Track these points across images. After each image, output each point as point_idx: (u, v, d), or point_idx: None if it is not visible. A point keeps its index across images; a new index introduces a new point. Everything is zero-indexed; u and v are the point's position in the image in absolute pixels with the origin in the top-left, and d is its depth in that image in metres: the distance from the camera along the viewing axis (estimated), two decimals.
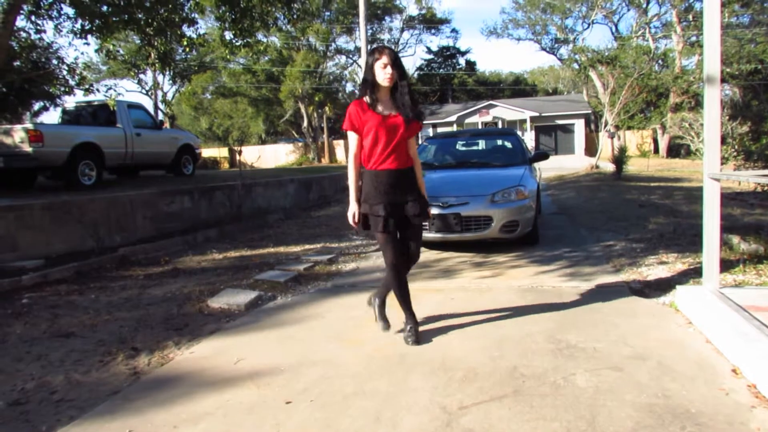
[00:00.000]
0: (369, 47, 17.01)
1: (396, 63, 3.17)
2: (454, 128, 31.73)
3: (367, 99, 3.25)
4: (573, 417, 2.42)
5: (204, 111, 38.86)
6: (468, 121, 34.02)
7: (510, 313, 3.95)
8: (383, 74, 3.16)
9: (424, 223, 3.52)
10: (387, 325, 3.59)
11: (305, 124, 36.02)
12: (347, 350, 3.41)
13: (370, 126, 3.21)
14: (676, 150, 30.31)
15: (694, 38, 30.96)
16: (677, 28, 31.31)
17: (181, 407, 2.73)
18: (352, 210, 3.35)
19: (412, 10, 39.89)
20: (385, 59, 3.15)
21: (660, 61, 32.55)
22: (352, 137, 3.31)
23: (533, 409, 2.51)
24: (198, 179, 11.65)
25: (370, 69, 3.21)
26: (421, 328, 3.57)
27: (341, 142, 38.50)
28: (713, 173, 3.58)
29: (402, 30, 40.58)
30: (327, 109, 35.11)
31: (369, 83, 3.23)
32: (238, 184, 10.42)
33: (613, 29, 39.64)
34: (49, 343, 3.81)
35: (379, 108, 3.25)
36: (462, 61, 47.61)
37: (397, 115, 3.24)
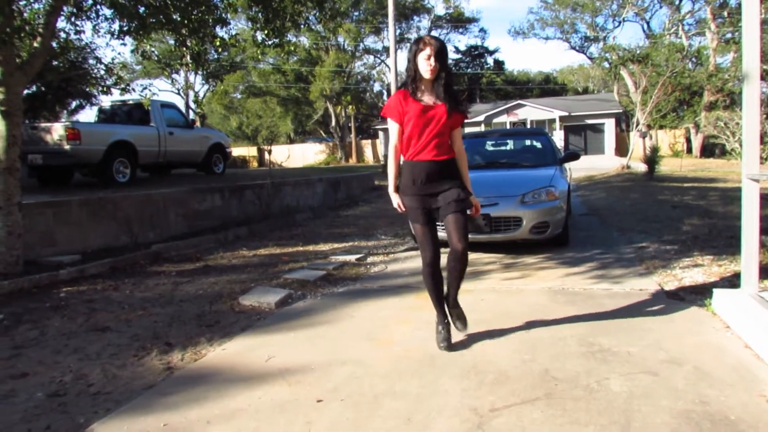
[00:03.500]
0: (397, 47, 16.99)
1: (440, 55, 3.08)
2: (482, 128, 31.54)
3: (410, 89, 3.19)
4: (607, 422, 2.38)
5: (234, 110, 39.38)
6: (496, 120, 33.77)
7: (541, 315, 3.91)
8: (426, 65, 3.08)
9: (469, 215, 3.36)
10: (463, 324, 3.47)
11: (333, 123, 36.22)
12: (377, 350, 3.42)
13: (411, 116, 3.14)
14: (710, 150, 29.54)
15: (729, 35, 30.11)
16: (711, 25, 30.51)
17: (214, 403, 2.78)
18: (396, 200, 3.33)
19: (440, 9, 39.84)
20: (428, 50, 3.06)
21: (693, 59, 31.76)
22: (393, 127, 3.26)
23: (566, 412, 2.48)
24: (228, 178, 11.81)
25: (413, 59, 3.14)
26: (450, 329, 3.54)
27: (369, 141, 38.59)
28: (752, 173, 3.48)
29: (430, 29, 40.47)
30: (351, 108, 35.19)
31: (411, 73, 3.17)
32: (267, 183, 10.53)
33: (645, 27, 38.85)
34: (86, 337, 3.91)
35: (421, 97, 3.17)
36: (490, 60, 47.31)
37: (439, 105, 3.15)
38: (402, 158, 3.32)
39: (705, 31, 31.93)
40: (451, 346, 3.33)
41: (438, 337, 3.40)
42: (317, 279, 5.35)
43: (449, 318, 3.47)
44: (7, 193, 5.60)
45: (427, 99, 3.17)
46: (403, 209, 3.33)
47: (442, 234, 3.40)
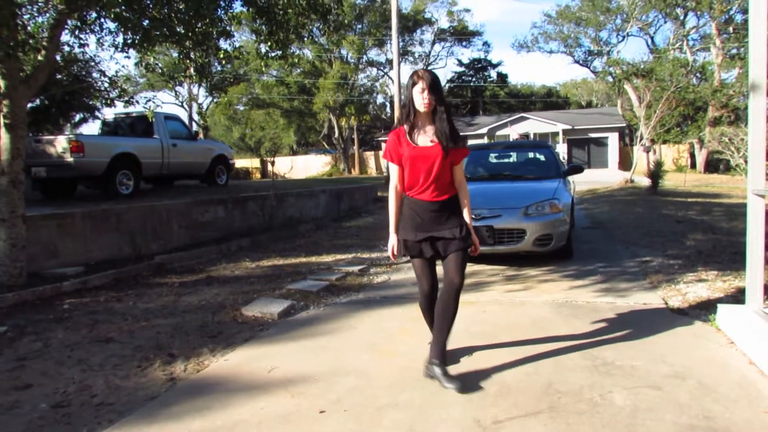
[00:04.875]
0: (400, 60, 17.08)
1: (434, 88, 3.02)
2: (486, 140, 31.62)
3: (406, 127, 3.14)
4: None
5: (237, 122, 39.59)
6: (499, 133, 33.84)
7: (544, 328, 3.90)
8: (420, 99, 3.02)
9: (468, 250, 3.17)
10: (459, 383, 2.93)
11: (336, 135, 36.36)
12: (380, 361, 3.42)
13: (407, 157, 3.08)
14: (714, 165, 29.52)
15: (734, 51, 30.21)
16: (716, 41, 30.61)
17: (217, 414, 2.77)
18: (392, 242, 3.22)
19: (444, 23, 40.09)
20: (422, 84, 3.01)
21: (698, 75, 31.83)
22: (393, 167, 3.21)
23: (569, 426, 2.47)
24: (231, 189, 11.84)
25: (408, 93, 3.10)
26: (453, 341, 3.51)
27: (372, 153, 38.70)
28: (758, 189, 3.49)
29: (433, 42, 40.79)
30: (353, 120, 35.31)
31: (407, 109, 3.11)
32: (270, 194, 10.55)
33: (649, 42, 38.97)
34: (90, 348, 3.91)
35: (417, 137, 3.12)
36: (493, 73, 47.48)
37: (435, 145, 3.06)
38: (404, 193, 3.22)
39: (710, 46, 32.03)
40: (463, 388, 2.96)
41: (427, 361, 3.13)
42: (320, 290, 5.35)
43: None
44: (11, 206, 5.62)
45: (423, 140, 3.10)
46: (394, 254, 3.20)
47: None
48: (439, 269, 3.18)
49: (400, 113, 3.23)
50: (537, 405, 2.69)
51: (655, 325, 3.89)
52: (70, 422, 2.77)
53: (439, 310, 3.09)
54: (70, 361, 3.65)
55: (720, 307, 3.84)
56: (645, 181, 18.50)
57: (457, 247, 3.09)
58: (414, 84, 3.07)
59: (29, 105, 7.14)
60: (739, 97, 26.55)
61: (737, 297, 4.33)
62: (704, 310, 4.15)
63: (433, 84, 3.04)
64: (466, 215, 3.23)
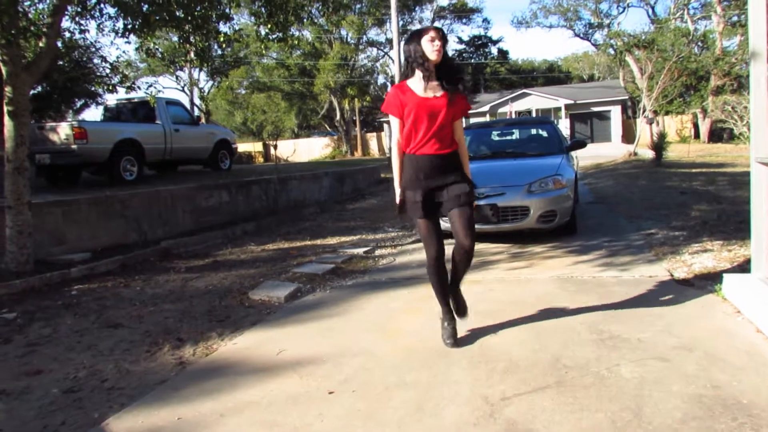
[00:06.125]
0: (400, 38, 16.89)
1: (443, 38, 3.03)
2: (488, 118, 31.40)
3: (408, 82, 3.12)
4: (618, 408, 2.38)
5: (239, 106, 39.40)
6: (501, 110, 33.59)
7: (550, 304, 3.91)
8: (431, 47, 2.98)
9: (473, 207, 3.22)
10: (453, 341, 3.26)
11: (338, 117, 36.18)
12: (387, 342, 3.43)
13: (410, 108, 3.04)
14: (718, 135, 29.30)
15: (735, 18, 29.74)
16: (717, 8, 30.16)
17: (227, 396, 2.80)
18: (398, 196, 3.23)
19: (443, 0, 39.57)
20: (432, 33, 3.00)
21: (699, 43, 31.40)
22: (394, 122, 3.17)
23: (577, 400, 2.49)
24: (235, 174, 11.84)
25: (416, 47, 3.03)
26: (460, 320, 3.53)
27: (374, 134, 38.53)
28: (761, 157, 3.45)
29: (433, 20, 40.19)
30: (356, 101, 35.11)
31: (418, 57, 3.04)
32: (273, 178, 10.55)
33: (650, 12, 38.50)
34: (99, 334, 3.94)
35: (421, 89, 3.08)
36: (494, 50, 46.99)
37: (440, 97, 3.05)
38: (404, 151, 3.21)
39: (711, 14, 31.59)
40: (456, 342, 3.26)
41: (444, 333, 3.32)
42: (326, 272, 5.37)
43: (453, 312, 3.39)
44: (17, 193, 5.64)
45: (427, 90, 3.08)
46: (400, 211, 3.25)
47: (445, 226, 3.38)
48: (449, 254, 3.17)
49: (404, 68, 3.20)
50: (544, 380, 2.70)
51: (660, 297, 3.89)
52: (82, 406, 2.81)
53: (455, 264, 3.28)
54: (80, 347, 3.69)
55: (726, 276, 3.83)
56: (649, 154, 18.41)
57: (462, 202, 3.12)
58: (422, 35, 3.04)
59: (31, 92, 7.12)
60: (741, 65, 26.22)
61: (743, 266, 4.32)
62: (710, 280, 4.14)
63: (443, 34, 3.05)
64: (466, 171, 3.27)
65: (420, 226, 3.22)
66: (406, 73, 3.17)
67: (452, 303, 3.39)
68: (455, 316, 3.38)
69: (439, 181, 3.13)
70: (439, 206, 3.18)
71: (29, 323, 4.25)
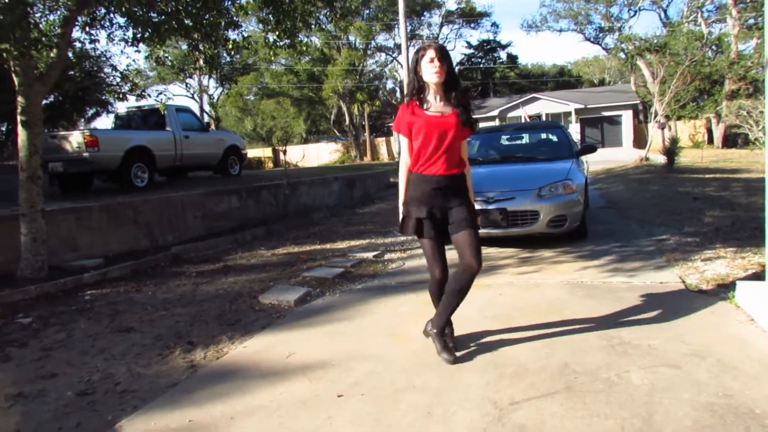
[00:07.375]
0: (408, 44, 16.96)
1: (443, 56, 2.93)
2: (497, 123, 31.38)
3: (417, 101, 3.05)
4: (628, 414, 2.38)
5: (248, 112, 39.63)
6: (511, 115, 33.55)
7: (559, 309, 3.90)
8: (431, 69, 2.92)
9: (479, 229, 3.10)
10: (452, 356, 3.10)
11: (347, 122, 36.29)
12: (396, 346, 3.44)
13: (419, 126, 2.97)
14: (732, 140, 29.00)
15: (751, 20, 29.47)
16: (732, 11, 29.89)
17: (237, 400, 2.82)
18: (402, 215, 3.16)
19: (452, 4, 39.72)
20: (431, 53, 2.91)
21: (714, 47, 31.16)
22: (403, 141, 3.12)
23: (586, 405, 2.48)
24: (244, 179, 11.91)
25: (415, 67, 3.01)
26: (469, 324, 3.53)
27: (383, 139, 38.60)
28: None
29: (441, 25, 40.34)
30: (366, 106, 35.19)
31: (415, 83, 3.04)
32: (283, 183, 10.60)
33: (662, 15, 38.23)
34: (112, 338, 3.99)
35: (430, 107, 3.02)
36: (503, 54, 46.92)
37: (449, 115, 2.98)
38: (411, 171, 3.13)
39: (726, 17, 31.29)
40: (453, 362, 3.08)
41: (437, 349, 3.18)
42: (335, 276, 5.38)
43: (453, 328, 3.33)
44: (31, 201, 5.72)
45: (436, 108, 3.02)
46: (403, 228, 3.15)
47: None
48: (453, 260, 3.15)
49: (407, 90, 3.14)
50: (553, 385, 2.70)
51: (672, 303, 3.87)
52: (96, 409, 2.84)
53: (451, 288, 3.07)
54: (94, 351, 3.73)
55: (739, 283, 3.80)
56: (660, 159, 18.26)
57: (468, 226, 3.03)
58: (421, 56, 2.98)
59: (43, 102, 7.22)
60: (757, 69, 25.90)
61: (757, 273, 4.28)
62: (723, 287, 4.11)
63: (443, 52, 2.96)
64: (469, 192, 3.18)
65: (425, 246, 3.14)
66: (411, 92, 3.10)
67: (442, 339, 3.20)
68: (443, 356, 3.13)
69: (445, 202, 3.06)
70: (444, 227, 3.09)
71: (44, 328, 4.31)
